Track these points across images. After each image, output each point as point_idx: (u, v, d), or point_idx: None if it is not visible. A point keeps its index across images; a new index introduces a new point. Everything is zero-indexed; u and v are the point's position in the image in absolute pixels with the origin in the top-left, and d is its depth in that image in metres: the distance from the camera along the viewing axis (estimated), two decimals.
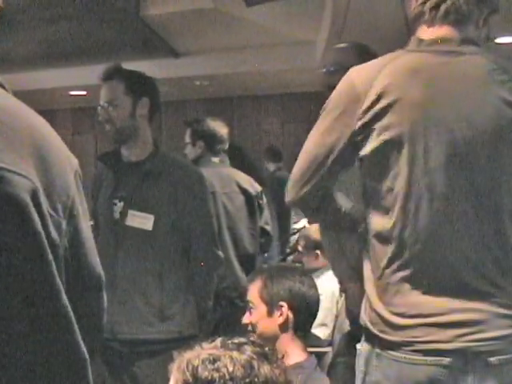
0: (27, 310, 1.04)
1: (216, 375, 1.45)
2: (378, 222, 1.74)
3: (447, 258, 1.69)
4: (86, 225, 1.18)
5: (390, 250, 1.71)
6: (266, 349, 1.55)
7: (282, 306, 2.38)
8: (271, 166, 7.57)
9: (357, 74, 1.75)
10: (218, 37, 6.90)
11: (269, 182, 5.98)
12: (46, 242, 1.05)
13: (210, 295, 2.93)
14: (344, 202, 1.89)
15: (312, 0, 5.73)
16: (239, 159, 4.60)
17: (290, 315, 2.39)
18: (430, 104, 1.68)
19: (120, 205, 2.81)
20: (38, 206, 1.04)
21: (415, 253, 1.69)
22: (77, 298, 1.13)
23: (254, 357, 1.50)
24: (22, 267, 1.03)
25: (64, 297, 1.08)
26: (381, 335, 1.72)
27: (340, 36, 5.48)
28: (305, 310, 2.43)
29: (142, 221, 2.76)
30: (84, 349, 1.12)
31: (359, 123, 1.70)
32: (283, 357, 1.60)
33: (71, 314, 1.09)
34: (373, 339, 1.76)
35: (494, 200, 1.72)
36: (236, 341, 1.55)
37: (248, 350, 1.52)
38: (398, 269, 1.70)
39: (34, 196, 1.04)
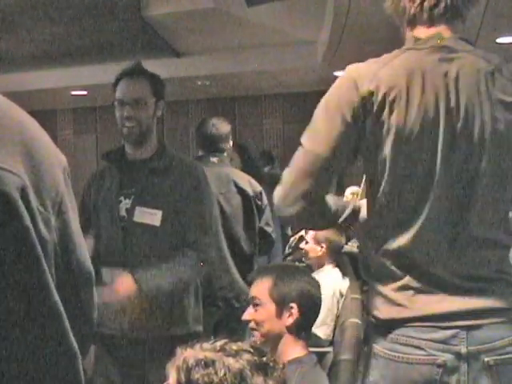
0: (18, 306, 1.05)
1: (206, 380, 1.47)
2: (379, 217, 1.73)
3: (446, 255, 1.69)
4: (75, 221, 1.19)
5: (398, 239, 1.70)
6: (264, 358, 1.55)
7: (292, 308, 2.35)
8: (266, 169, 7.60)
9: (356, 70, 1.73)
10: (220, 37, 6.90)
11: (271, 182, 5.95)
12: (35, 237, 1.06)
13: (187, 268, 2.82)
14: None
15: (313, 0, 5.74)
16: (244, 159, 4.58)
17: (299, 317, 2.36)
18: (430, 103, 1.67)
19: (126, 202, 2.82)
20: (27, 202, 1.06)
21: (416, 248, 1.69)
22: (67, 294, 1.13)
23: (248, 366, 1.50)
24: (12, 263, 1.04)
25: (55, 293, 1.09)
26: (376, 320, 1.71)
27: (341, 36, 5.49)
28: (311, 312, 2.42)
29: (151, 216, 2.77)
30: (75, 345, 1.13)
31: (361, 118, 1.69)
32: (283, 367, 1.60)
33: (62, 309, 1.10)
34: (372, 333, 1.75)
35: (495, 201, 1.72)
36: (235, 347, 1.55)
37: (245, 358, 1.52)
38: (396, 259, 1.70)
39: (23, 193, 1.05)
